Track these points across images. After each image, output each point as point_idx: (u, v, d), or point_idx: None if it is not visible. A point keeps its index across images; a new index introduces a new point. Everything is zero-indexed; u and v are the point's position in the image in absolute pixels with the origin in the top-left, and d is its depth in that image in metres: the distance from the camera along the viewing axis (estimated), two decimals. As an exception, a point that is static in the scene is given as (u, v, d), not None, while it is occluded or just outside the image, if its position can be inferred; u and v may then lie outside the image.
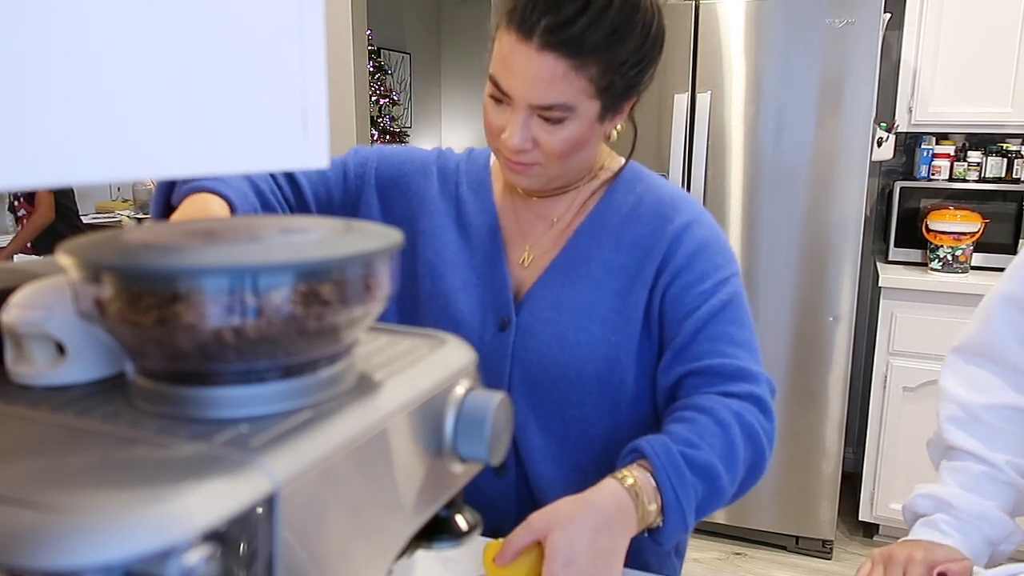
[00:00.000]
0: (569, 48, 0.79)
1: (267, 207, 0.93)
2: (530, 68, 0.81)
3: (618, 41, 0.81)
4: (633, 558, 0.86)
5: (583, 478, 0.87)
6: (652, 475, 0.81)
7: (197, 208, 0.82)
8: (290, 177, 0.98)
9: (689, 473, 0.82)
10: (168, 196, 0.88)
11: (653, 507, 0.80)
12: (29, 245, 3.93)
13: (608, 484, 0.80)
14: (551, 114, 0.83)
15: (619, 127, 0.93)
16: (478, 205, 1.00)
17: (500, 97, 0.85)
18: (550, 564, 0.74)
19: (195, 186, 0.84)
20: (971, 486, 0.91)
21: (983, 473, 0.92)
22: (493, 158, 1.04)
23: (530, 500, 0.99)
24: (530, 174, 0.89)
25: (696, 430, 0.85)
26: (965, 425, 0.95)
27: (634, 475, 0.81)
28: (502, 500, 1.00)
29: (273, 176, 0.96)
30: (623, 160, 1.01)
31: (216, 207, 0.83)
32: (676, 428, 0.86)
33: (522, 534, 0.76)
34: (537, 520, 0.77)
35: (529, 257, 0.98)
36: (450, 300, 0.97)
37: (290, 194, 0.97)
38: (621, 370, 0.94)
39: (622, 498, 0.79)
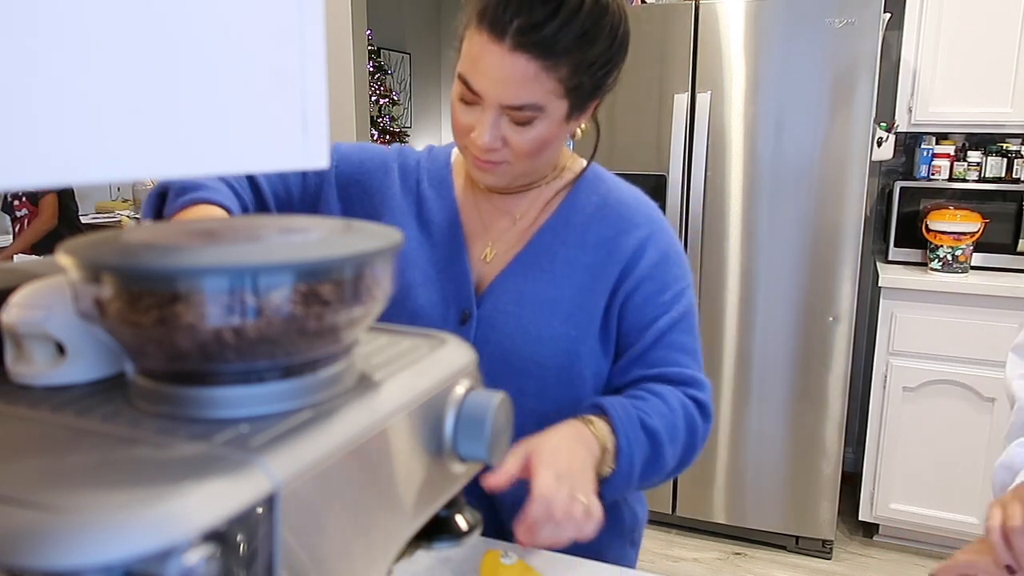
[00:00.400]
0: (541, 49, 0.81)
1: (245, 210, 0.94)
2: (502, 69, 0.82)
3: (588, 43, 0.83)
4: (589, 548, 0.95)
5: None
6: (608, 423, 0.89)
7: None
8: (249, 177, 0.98)
9: (641, 431, 0.90)
10: (158, 209, 0.88)
11: (609, 445, 0.88)
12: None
13: (568, 421, 0.88)
14: (521, 114, 0.85)
15: (583, 126, 0.95)
16: (439, 202, 1.02)
17: (470, 98, 0.86)
18: (540, 470, 0.79)
19: (192, 198, 0.84)
20: None
21: None
22: (454, 154, 1.05)
23: (481, 492, 1.00)
24: (498, 172, 0.91)
25: (647, 404, 0.93)
26: None
27: (591, 418, 0.89)
28: None
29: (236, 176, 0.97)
30: (584, 162, 1.03)
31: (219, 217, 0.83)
32: (629, 401, 0.94)
33: (511, 459, 0.82)
34: (519, 449, 0.84)
35: (492, 253, 1.00)
36: (409, 295, 0.98)
37: (251, 193, 0.98)
38: (580, 365, 0.97)
39: (581, 428, 0.87)
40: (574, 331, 0.96)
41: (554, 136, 0.89)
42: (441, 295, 0.98)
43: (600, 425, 0.88)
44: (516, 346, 0.95)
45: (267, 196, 0.99)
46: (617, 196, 1.01)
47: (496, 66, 0.82)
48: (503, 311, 0.96)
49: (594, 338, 0.97)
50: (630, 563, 1.10)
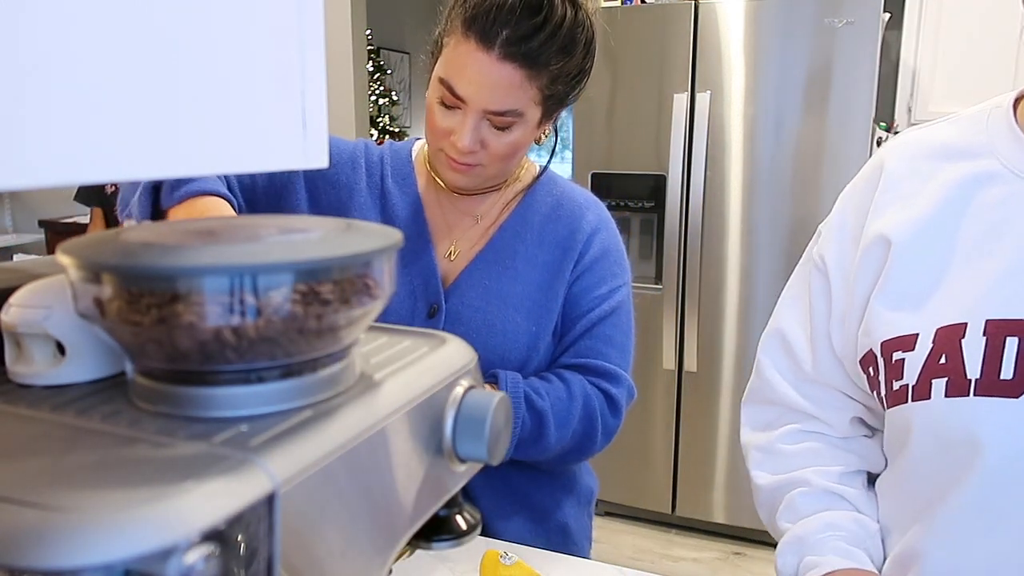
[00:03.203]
0: (527, 59, 0.86)
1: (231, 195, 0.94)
2: (490, 76, 0.86)
3: (567, 54, 0.89)
4: (555, 514, 1.06)
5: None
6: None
7: (208, 211, 0.82)
8: None
9: (525, 408, 0.94)
10: (154, 200, 0.87)
11: None
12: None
13: None
14: (502, 119, 0.89)
15: (546, 132, 1.01)
16: (403, 198, 1.04)
17: (451, 102, 0.89)
18: None
19: (190, 190, 0.84)
20: (806, 508, 0.82)
21: (801, 493, 0.83)
22: (415, 150, 1.08)
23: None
24: (472, 174, 0.95)
25: (547, 387, 0.98)
26: (769, 464, 0.88)
27: (484, 385, 0.90)
28: None
29: None
30: (537, 166, 1.09)
31: (225, 209, 0.84)
32: (532, 379, 0.99)
33: None
34: None
35: (455, 251, 1.04)
36: None
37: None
38: (538, 358, 1.02)
39: None
40: (534, 327, 1.01)
41: (527, 140, 0.94)
42: (409, 290, 1.01)
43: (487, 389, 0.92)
44: (483, 339, 0.99)
45: (232, 183, 0.99)
46: (570, 196, 1.07)
47: (484, 73, 0.86)
48: (469, 305, 1.00)
49: (549, 333, 1.02)
50: (588, 533, 1.17)
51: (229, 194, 0.87)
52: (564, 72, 0.90)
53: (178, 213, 0.82)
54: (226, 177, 0.98)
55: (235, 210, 0.86)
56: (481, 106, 0.88)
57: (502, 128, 0.90)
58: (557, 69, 0.88)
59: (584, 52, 0.91)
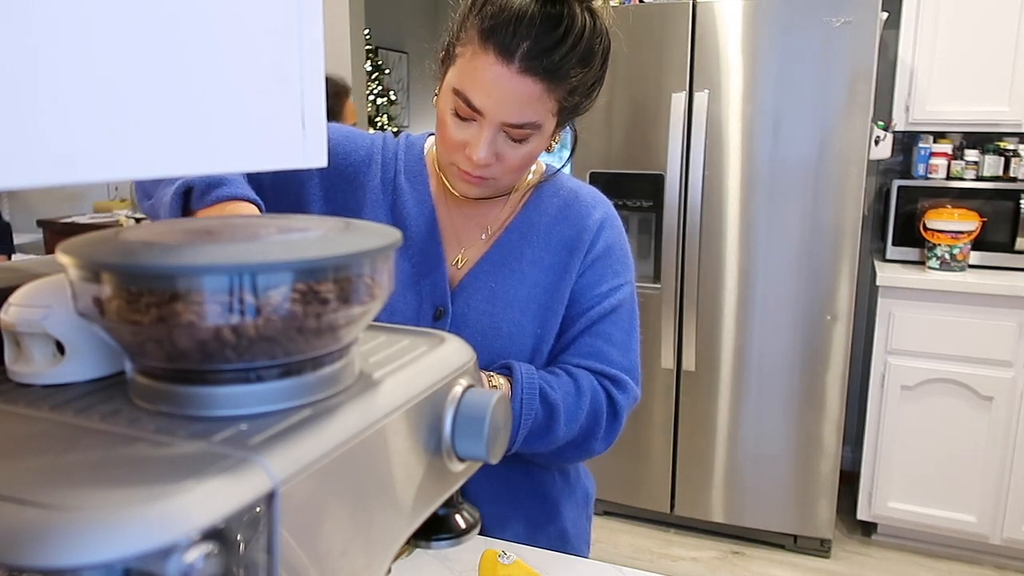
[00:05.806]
0: (548, 73, 0.84)
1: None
2: (509, 89, 0.84)
3: (586, 66, 0.87)
4: (553, 516, 1.06)
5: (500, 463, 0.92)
6: (509, 383, 0.93)
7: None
8: None
9: (538, 401, 0.93)
10: (184, 208, 0.85)
11: None
12: None
13: None
14: (520, 131, 0.88)
15: (557, 138, 0.99)
16: (415, 196, 1.03)
17: (467, 113, 0.87)
18: None
19: (225, 194, 0.83)
20: None
21: None
22: (427, 146, 1.07)
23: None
24: (484, 186, 0.94)
25: (558, 381, 0.97)
26: None
27: (494, 374, 0.93)
28: None
29: None
30: (544, 164, 1.08)
31: (253, 213, 0.83)
32: (543, 372, 0.98)
33: None
34: None
35: (463, 259, 1.03)
36: None
37: None
38: (541, 360, 1.01)
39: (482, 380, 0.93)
40: (539, 329, 1.00)
41: (540, 150, 0.93)
42: (416, 291, 1.00)
43: (501, 382, 0.92)
44: (488, 342, 0.98)
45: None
46: (577, 196, 1.05)
47: (503, 87, 0.84)
48: (476, 308, 0.99)
49: (554, 335, 1.01)
50: (587, 537, 1.16)
51: (258, 198, 0.85)
52: (583, 83, 0.89)
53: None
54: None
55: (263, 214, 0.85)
56: (499, 119, 0.86)
57: (518, 140, 0.89)
58: (576, 81, 0.87)
59: (601, 62, 0.90)
